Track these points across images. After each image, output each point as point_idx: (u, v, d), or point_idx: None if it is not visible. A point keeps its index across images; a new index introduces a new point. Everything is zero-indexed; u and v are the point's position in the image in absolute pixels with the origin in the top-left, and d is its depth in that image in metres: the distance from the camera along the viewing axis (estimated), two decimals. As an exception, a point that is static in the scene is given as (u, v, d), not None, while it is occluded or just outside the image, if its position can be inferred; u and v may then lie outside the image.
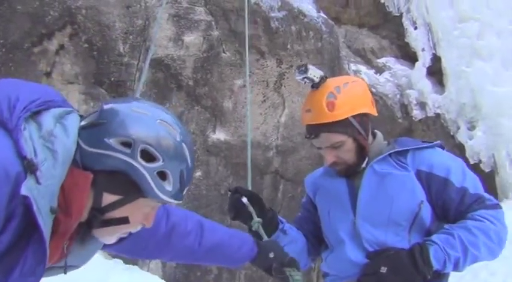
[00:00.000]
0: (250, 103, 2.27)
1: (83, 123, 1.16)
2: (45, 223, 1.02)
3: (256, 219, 1.64)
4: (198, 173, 5.99)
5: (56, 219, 1.07)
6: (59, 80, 5.49)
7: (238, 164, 6.17)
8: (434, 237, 1.59)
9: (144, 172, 1.11)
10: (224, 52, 6.22)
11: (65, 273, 1.21)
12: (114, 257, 5.03)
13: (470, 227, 1.57)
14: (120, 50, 5.71)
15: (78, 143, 1.11)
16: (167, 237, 1.52)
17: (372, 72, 7.72)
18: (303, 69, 1.72)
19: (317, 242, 1.85)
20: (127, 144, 1.11)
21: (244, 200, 1.65)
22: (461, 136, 7.06)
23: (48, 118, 1.10)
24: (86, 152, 1.11)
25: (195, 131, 6.06)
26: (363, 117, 1.73)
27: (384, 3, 8.06)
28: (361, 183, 1.71)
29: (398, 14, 8.01)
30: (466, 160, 7.59)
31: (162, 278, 4.96)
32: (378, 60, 7.95)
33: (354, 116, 1.70)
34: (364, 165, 1.74)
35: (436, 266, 1.51)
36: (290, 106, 6.42)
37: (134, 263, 5.04)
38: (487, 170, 6.83)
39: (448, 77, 7.22)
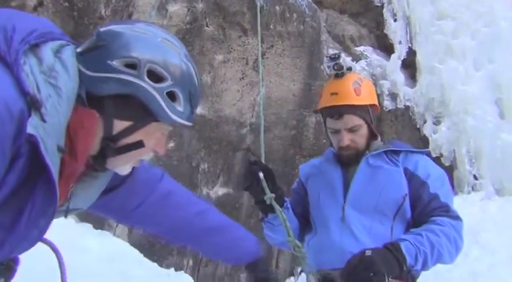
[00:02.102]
0: (263, 100, 2.36)
1: (79, 50, 1.08)
2: (53, 163, 0.96)
3: (269, 194, 1.73)
4: (170, 144, 6.03)
5: (61, 161, 1.01)
6: (36, 37, 5.37)
7: (211, 139, 6.23)
8: (403, 236, 1.72)
9: (154, 93, 1.06)
10: (207, 26, 6.20)
11: (66, 216, 1.18)
12: (82, 220, 5.06)
13: (435, 229, 1.71)
14: (101, 12, 5.61)
15: (80, 74, 1.04)
16: (163, 200, 1.43)
17: (348, 59, 7.86)
18: (336, 56, 1.86)
19: (305, 224, 1.98)
20: (132, 66, 1.05)
21: (261, 174, 1.73)
22: (427, 130, 7.35)
23: (47, 52, 1.02)
24: (88, 77, 1.04)
25: (171, 102, 6.06)
26: (374, 109, 1.90)
27: (367, -8, 8.16)
28: (356, 173, 1.86)
29: (379, 4, 8.14)
30: (428, 153, 7.93)
31: (129, 244, 5.04)
32: (356, 48, 8.08)
33: (370, 105, 1.86)
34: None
35: (408, 260, 1.63)
36: (267, 86, 6.49)
37: (102, 228, 5.09)
38: (446, 164, 7.17)
39: (421, 71, 7.45)
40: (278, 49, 6.55)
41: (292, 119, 6.58)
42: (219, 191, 6.28)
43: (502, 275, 5.31)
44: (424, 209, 1.78)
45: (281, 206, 1.81)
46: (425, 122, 7.45)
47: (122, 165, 1.17)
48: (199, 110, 6.19)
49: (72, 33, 5.49)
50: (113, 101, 1.06)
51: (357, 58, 8.11)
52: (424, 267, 1.69)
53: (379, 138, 1.97)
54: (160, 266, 5.37)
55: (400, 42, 7.72)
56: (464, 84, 7.16)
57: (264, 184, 1.74)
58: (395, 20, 7.82)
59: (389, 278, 1.58)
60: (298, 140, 6.61)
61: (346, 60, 2.02)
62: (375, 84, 7.86)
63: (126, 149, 1.11)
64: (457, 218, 1.77)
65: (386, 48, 8.13)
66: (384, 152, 1.88)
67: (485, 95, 7.16)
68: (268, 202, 1.76)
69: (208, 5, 6.14)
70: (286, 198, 1.90)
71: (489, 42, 7.29)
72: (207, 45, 6.15)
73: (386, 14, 7.99)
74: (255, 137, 6.50)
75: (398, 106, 7.61)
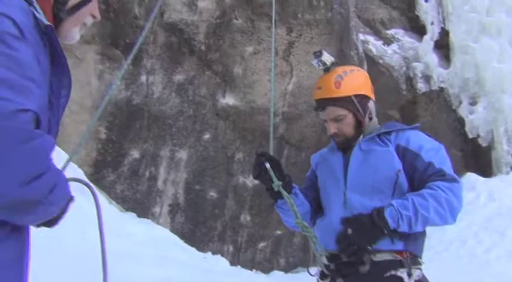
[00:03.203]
0: (274, 85, 2.52)
1: None
2: None
3: (277, 182, 1.88)
4: (206, 136, 6.27)
5: None
6: (77, 40, 5.68)
7: (245, 129, 6.42)
8: (392, 201, 1.85)
9: None
10: (236, 19, 6.36)
11: None
12: (127, 210, 5.40)
13: (424, 193, 1.81)
14: (135, 12, 5.86)
15: None
16: None
17: (380, 43, 7.83)
18: (318, 54, 2.01)
19: (318, 208, 2.13)
20: None
21: (267, 165, 1.89)
22: (463, 110, 7.25)
23: None
24: None
25: (206, 95, 6.29)
26: (362, 99, 2.01)
27: (397, -26, 8.07)
28: (350, 159, 1.98)
29: (410, -15, 8.04)
30: (465, 134, 7.82)
31: (171, 232, 5.33)
32: (387, 32, 8.03)
33: (355, 96, 1.98)
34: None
35: (390, 223, 1.75)
36: (298, 75, 6.61)
37: (146, 217, 5.41)
38: (484, 145, 7.07)
39: (455, 51, 7.34)
40: (307, 37, 6.63)
41: (324, 106, 6.66)
42: (256, 180, 6.47)
43: (542, 255, 5.23)
44: (421, 178, 1.87)
45: (290, 192, 1.95)
46: (460, 102, 7.35)
47: (73, 28, 1.35)
48: (232, 102, 6.39)
49: (110, 34, 5.79)
50: None
51: (388, 41, 8.06)
52: (410, 229, 1.81)
53: (375, 121, 2.06)
54: (202, 252, 5.64)
55: (432, 23, 7.62)
56: (500, 62, 7.00)
57: (271, 173, 1.88)
58: (426, 1, 7.71)
59: (373, 247, 1.73)
60: (331, 126, 6.69)
61: (327, 56, 2.18)
62: (408, 68, 7.80)
63: (76, 7, 1.31)
64: (452, 180, 1.84)
65: (418, 29, 8.04)
66: (377, 135, 1.98)
67: (522, 73, 6.99)
68: (276, 189, 1.90)
69: (237, -2, 6.29)
70: (295, 185, 2.04)
71: (525, 18, 7.09)
72: (237, 38, 6.32)
73: (418, -5, 7.89)
74: (288, 125, 6.64)
75: (432, 88, 7.54)
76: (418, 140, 1.95)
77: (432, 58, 7.38)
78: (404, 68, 7.61)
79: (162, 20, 5.96)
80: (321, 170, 2.12)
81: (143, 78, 5.89)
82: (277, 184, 1.89)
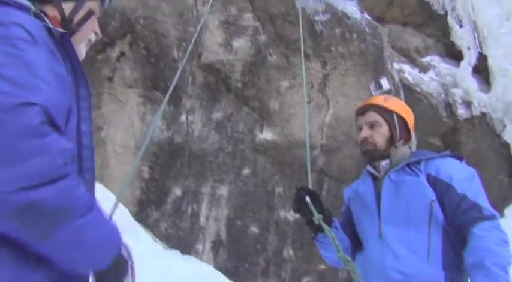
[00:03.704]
0: (307, 112, 2.62)
1: None
2: None
3: (317, 215, 1.91)
4: (246, 171, 6.34)
5: None
6: (120, 84, 5.97)
7: (284, 163, 6.46)
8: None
9: None
10: (270, 55, 6.52)
11: None
12: (171, 247, 5.48)
13: (487, 247, 1.74)
14: (174, 56, 6.12)
15: None
16: None
17: (415, 71, 7.79)
18: (377, 78, 2.12)
19: (357, 242, 2.12)
20: None
21: (307, 199, 1.93)
22: (507, 135, 7.04)
23: None
24: None
25: (244, 131, 6.40)
26: (403, 121, 2.04)
27: (428, 2, 8.09)
28: (382, 191, 1.98)
29: (443, 13, 8.02)
30: (511, 158, 7.54)
31: (214, 268, 5.34)
32: (423, 59, 7.99)
33: (397, 115, 2.02)
34: (383, 164, 2.00)
35: None
36: (334, 106, 6.64)
37: (189, 254, 5.47)
38: (533, 169, 6.79)
39: (494, 75, 7.20)
40: (341, 70, 6.70)
41: (362, 136, 6.64)
42: (296, 213, 6.45)
43: None
44: (455, 212, 1.84)
45: (330, 225, 1.96)
46: (504, 127, 7.14)
47: (80, 45, 1.42)
48: (270, 136, 6.47)
49: (151, 77, 6.05)
50: None
51: (424, 69, 8.01)
52: None
53: (406, 149, 2.05)
54: (246, 288, 5.61)
55: (468, 48, 7.54)
56: (543, 84, 6.81)
57: (311, 207, 1.91)
58: (461, 26, 7.67)
59: None
60: (370, 156, 6.63)
61: (385, 81, 2.41)
62: (446, 94, 7.69)
63: (81, 22, 1.39)
64: (491, 217, 1.81)
65: (455, 55, 7.96)
66: (407, 164, 1.98)
67: None
68: (316, 222, 1.92)
69: (270, 36, 6.47)
70: (335, 219, 2.05)
71: None
72: (272, 74, 6.45)
73: (451, 21, 7.86)
74: (326, 158, 6.62)
75: (474, 114, 7.37)
76: (448, 169, 1.94)
77: (471, 83, 7.26)
78: (443, 95, 7.51)
79: (200, 62, 6.19)
80: (354, 204, 2.14)
81: (183, 117, 6.08)
82: (317, 217, 1.91)
